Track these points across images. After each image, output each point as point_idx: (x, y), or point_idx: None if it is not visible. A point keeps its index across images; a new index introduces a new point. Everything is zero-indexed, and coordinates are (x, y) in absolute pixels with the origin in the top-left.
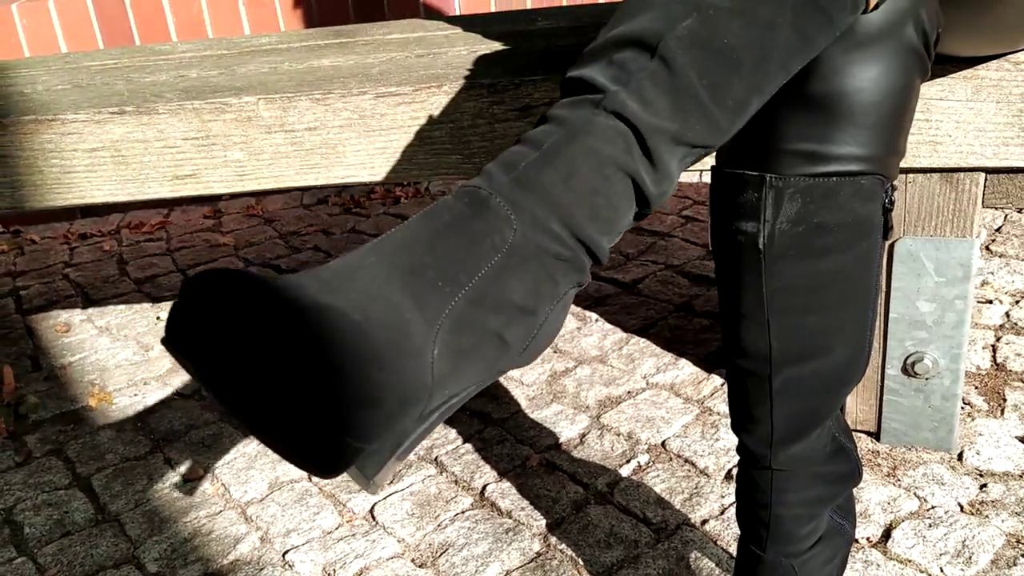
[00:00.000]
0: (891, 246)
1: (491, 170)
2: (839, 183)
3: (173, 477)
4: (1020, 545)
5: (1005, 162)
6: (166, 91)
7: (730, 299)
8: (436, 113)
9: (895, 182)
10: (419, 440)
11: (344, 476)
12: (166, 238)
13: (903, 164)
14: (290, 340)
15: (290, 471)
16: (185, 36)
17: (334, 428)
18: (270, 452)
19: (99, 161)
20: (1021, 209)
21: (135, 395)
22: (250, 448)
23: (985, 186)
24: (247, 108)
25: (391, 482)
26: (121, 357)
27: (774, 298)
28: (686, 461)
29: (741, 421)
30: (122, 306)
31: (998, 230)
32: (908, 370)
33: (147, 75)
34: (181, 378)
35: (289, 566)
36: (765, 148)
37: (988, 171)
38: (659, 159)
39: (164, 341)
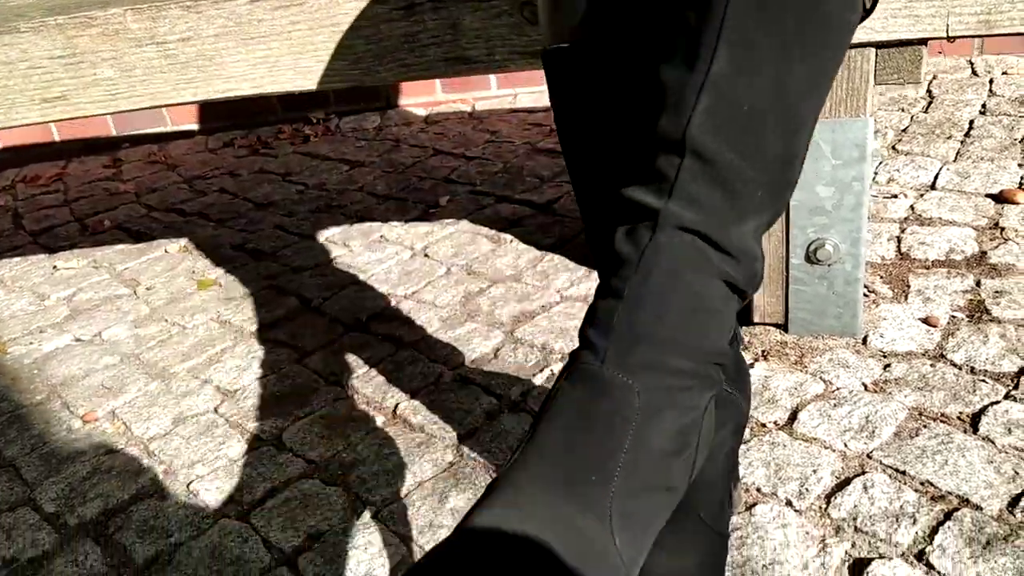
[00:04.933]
0: None
1: (591, 337)
2: None
3: (71, 420)
4: (923, 417)
5: (894, 35)
6: (29, 10)
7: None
8: (317, 16)
9: None
10: None
11: (251, 402)
12: (63, 189)
13: None
14: None
15: (196, 405)
16: None
17: None
18: (174, 388)
19: None
20: (910, 83)
21: (31, 344)
22: (152, 387)
23: (877, 62)
24: (114, 21)
25: None
26: (16, 307)
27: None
28: None
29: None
30: (17, 258)
31: (904, 131)
32: (811, 257)
33: None
34: (79, 324)
35: (193, 495)
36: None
37: (878, 46)
38: (734, 247)
39: None
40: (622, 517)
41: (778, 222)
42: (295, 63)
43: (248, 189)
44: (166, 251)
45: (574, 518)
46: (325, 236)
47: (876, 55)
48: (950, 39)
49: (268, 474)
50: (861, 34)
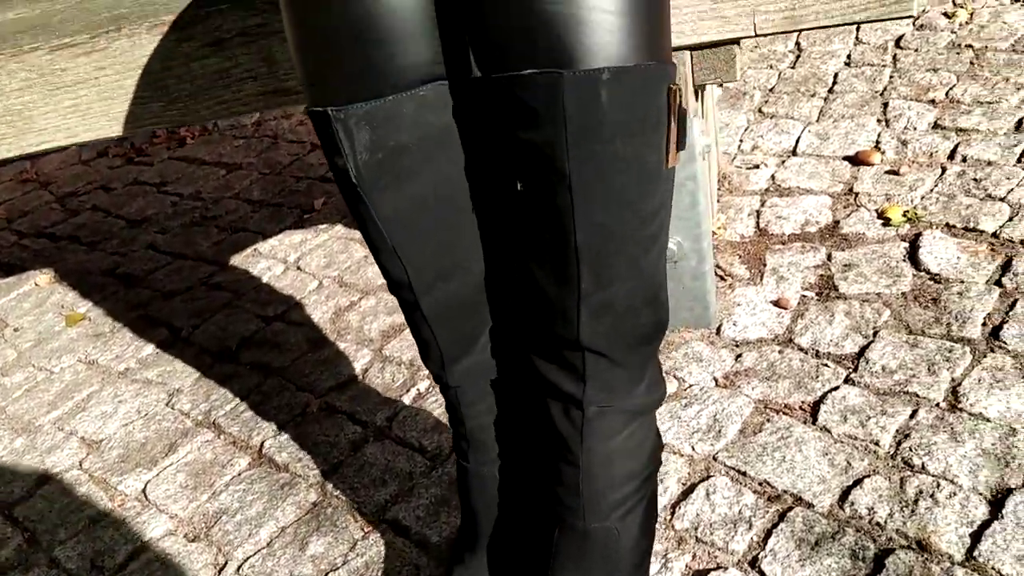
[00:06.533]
0: None
1: (565, 500)
2: (397, 101)
3: None
4: (767, 410)
5: (704, 37)
6: None
7: (363, 233)
8: (122, 60)
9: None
10: None
11: (116, 453)
12: None
13: None
14: None
15: (60, 461)
16: None
17: None
18: (39, 443)
19: None
20: (725, 83)
21: None
22: (18, 443)
23: (692, 64)
24: None
25: None
26: None
27: (390, 227)
28: None
29: (419, 348)
30: None
31: (771, 90)
32: None
33: None
34: None
35: (56, 564)
36: (323, 81)
37: (692, 48)
38: (644, 394)
39: None
40: None
41: None
42: (107, 109)
43: (122, 204)
44: (36, 284)
45: None
46: (198, 254)
47: (691, 57)
48: (758, 36)
49: (131, 535)
50: (673, 39)
